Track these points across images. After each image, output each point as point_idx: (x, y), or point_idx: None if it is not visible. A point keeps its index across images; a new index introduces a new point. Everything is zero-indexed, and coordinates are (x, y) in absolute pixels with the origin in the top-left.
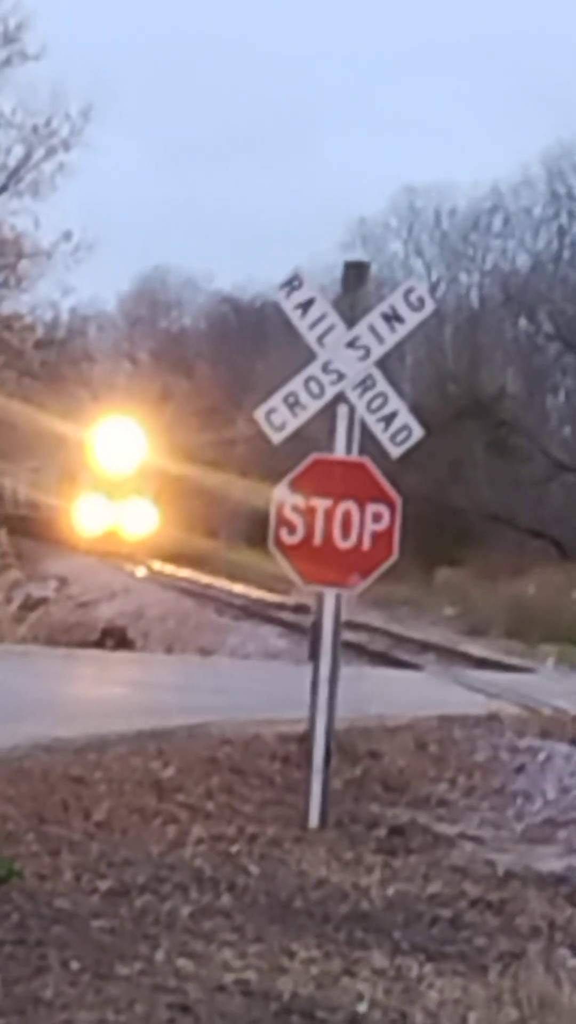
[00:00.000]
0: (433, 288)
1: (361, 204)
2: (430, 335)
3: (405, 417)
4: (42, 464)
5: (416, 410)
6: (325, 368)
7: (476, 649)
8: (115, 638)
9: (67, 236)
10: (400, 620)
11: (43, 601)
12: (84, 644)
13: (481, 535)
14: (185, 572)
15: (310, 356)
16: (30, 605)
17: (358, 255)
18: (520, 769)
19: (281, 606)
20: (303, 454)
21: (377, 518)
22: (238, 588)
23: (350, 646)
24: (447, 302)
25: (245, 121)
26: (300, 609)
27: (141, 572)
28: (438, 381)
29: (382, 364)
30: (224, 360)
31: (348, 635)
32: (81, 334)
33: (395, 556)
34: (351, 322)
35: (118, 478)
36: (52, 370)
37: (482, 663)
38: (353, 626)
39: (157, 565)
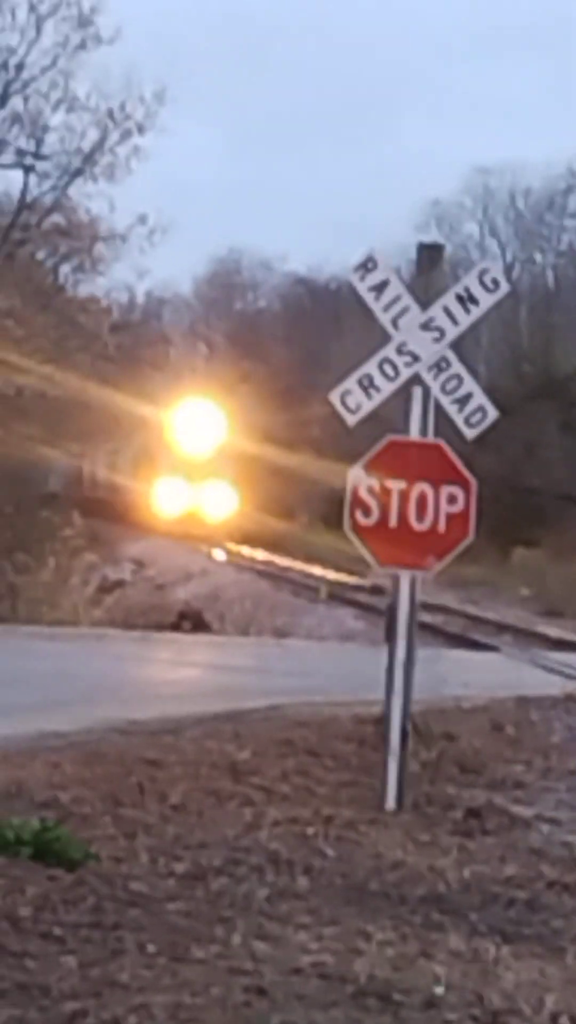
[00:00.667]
0: (508, 269)
1: (436, 185)
2: (505, 316)
3: (479, 399)
4: (120, 446)
5: (491, 391)
6: (400, 350)
7: (552, 630)
8: (192, 620)
9: (142, 219)
10: (476, 601)
11: (120, 584)
12: (161, 626)
13: (556, 515)
14: (262, 554)
15: (385, 338)
16: (107, 588)
17: (433, 236)
18: None
19: (357, 588)
20: (378, 435)
21: (452, 500)
22: (314, 569)
23: (426, 627)
24: (522, 282)
25: (320, 101)
26: (376, 591)
27: (220, 555)
28: (513, 362)
29: (457, 345)
30: (299, 342)
31: (424, 616)
32: (156, 317)
33: (470, 537)
34: (425, 304)
35: (197, 460)
36: (128, 353)
37: (559, 644)
38: (429, 607)
39: (234, 547)
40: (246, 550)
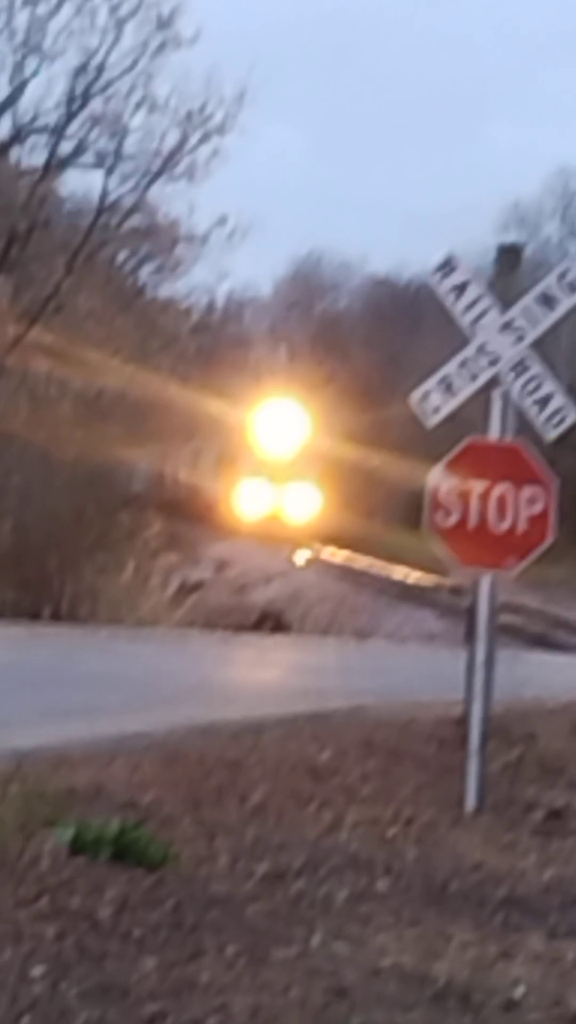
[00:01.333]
0: None
1: (520, 186)
2: None
3: (560, 399)
4: (202, 447)
5: (572, 392)
6: (480, 351)
7: None
8: (272, 621)
9: (222, 221)
10: (557, 602)
11: (200, 585)
12: (241, 627)
13: None
14: (343, 554)
15: (465, 339)
16: (188, 589)
17: (513, 238)
18: None
19: (438, 588)
20: (459, 436)
21: (532, 501)
22: (396, 571)
23: (507, 629)
24: None
25: (403, 102)
26: (457, 591)
27: (302, 556)
28: None
29: (537, 346)
30: (379, 343)
31: (505, 618)
32: (237, 318)
33: (551, 538)
34: (506, 305)
35: (279, 461)
36: (209, 354)
37: None
38: (510, 608)
39: (316, 548)
40: (328, 551)
